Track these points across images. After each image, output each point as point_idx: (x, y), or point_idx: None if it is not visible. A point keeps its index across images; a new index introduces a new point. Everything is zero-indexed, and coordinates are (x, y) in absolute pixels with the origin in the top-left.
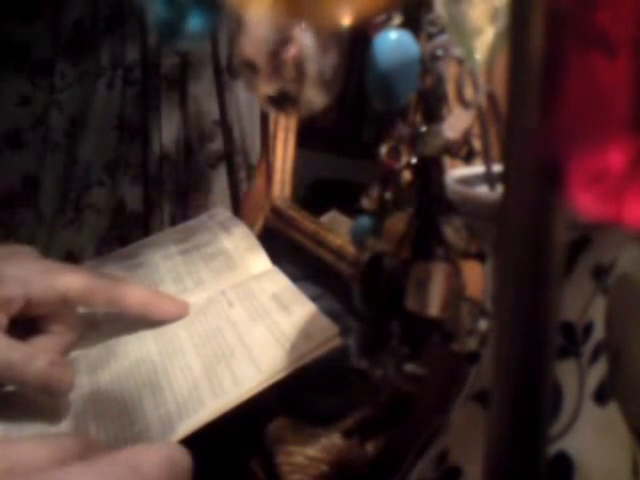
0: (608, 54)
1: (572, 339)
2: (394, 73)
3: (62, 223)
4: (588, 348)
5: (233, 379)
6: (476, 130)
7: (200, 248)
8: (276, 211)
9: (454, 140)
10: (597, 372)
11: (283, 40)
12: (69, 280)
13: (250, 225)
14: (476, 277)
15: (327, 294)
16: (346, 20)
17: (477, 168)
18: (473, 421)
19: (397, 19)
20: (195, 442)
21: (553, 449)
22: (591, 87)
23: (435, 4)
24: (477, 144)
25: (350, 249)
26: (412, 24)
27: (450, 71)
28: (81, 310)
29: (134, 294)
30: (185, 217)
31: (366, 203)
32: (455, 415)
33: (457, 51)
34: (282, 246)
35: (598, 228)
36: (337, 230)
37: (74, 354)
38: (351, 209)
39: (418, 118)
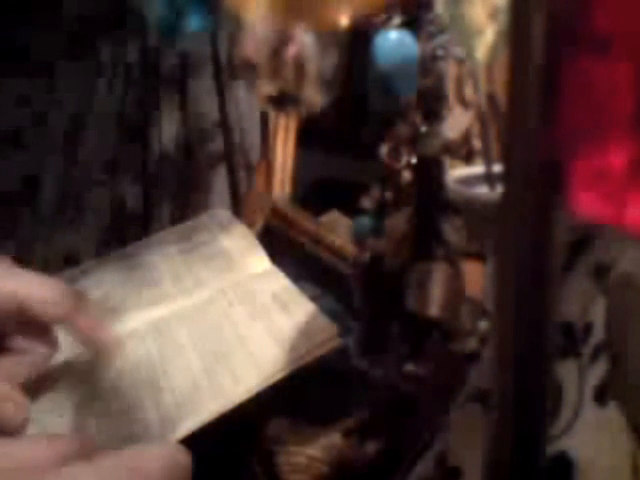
0: (608, 56)
1: (572, 339)
2: (394, 73)
3: (62, 223)
4: (588, 348)
5: (233, 379)
6: (476, 130)
7: (200, 248)
8: (276, 211)
9: (454, 140)
10: (597, 372)
11: (283, 40)
12: (30, 289)
13: (250, 225)
14: (476, 277)
15: (327, 294)
16: (345, 20)
17: (477, 168)
18: (473, 421)
19: (397, 19)
20: (195, 442)
21: (553, 449)
22: (591, 88)
23: (435, 4)
24: (477, 144)
25: (350, 249)
26: (412, 24)
27: (450, 71)
28: None
29: (86, 318)
30: (185, 217)
31: (366, 203)
32: (455, 415)
33: (457, 51)
34: (282, 246)
35: (598, 228)
36: (337, 230)
37: (74, 354)
38: (351, 209)
39: (418, 118)
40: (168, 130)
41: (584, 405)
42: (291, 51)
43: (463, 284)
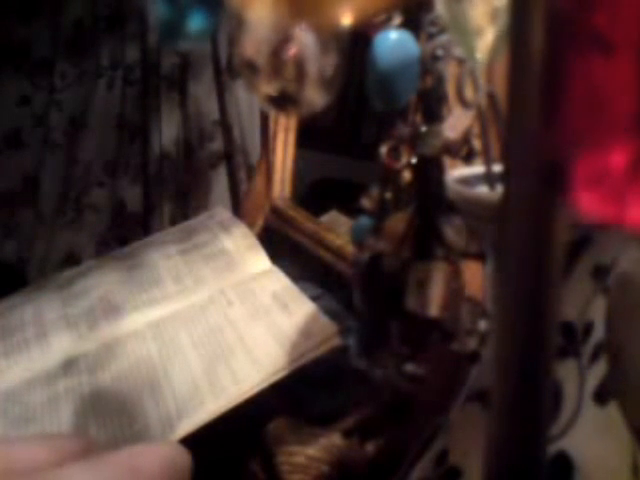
0: (608, 55)
1: (572, 339)
2: (394, 73)
3: (62, 223)
4: (588, 348)
5: (233, 378)
6: (476, 130)
7: (200, 248)
8: (276, 211)
9: (454, 140)
10: (597, 372)
11: (283, 40)
12: None
13: (250, 225)
14: (476, 277)
15: (327, 294)
16: (346, 20)
17: (477, 168)
18: (473, 421)
19: (397, 19)
20: (195, 442)
21: (553, 449)
22: (592, 88)
23: (435, 4)
24: (477, 144)
25: (350, 249)
26: (412, 24)
27: (450, 71)
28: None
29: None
30: (185, 217)
31: (366, 203)
32: (455, 415)
33: (457, 51)
34: (282, 246)
35: (598, 228)
36: (337, 230)
37: (74, 354)
38: (351, 209)
39: (418, 118)
40: (168, 130)
41: (584, 405)
42: (291, 51)
43: (463, 284)
